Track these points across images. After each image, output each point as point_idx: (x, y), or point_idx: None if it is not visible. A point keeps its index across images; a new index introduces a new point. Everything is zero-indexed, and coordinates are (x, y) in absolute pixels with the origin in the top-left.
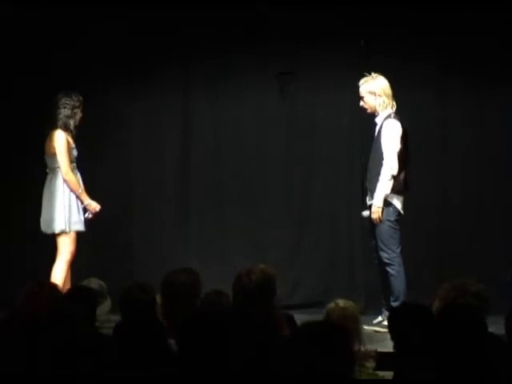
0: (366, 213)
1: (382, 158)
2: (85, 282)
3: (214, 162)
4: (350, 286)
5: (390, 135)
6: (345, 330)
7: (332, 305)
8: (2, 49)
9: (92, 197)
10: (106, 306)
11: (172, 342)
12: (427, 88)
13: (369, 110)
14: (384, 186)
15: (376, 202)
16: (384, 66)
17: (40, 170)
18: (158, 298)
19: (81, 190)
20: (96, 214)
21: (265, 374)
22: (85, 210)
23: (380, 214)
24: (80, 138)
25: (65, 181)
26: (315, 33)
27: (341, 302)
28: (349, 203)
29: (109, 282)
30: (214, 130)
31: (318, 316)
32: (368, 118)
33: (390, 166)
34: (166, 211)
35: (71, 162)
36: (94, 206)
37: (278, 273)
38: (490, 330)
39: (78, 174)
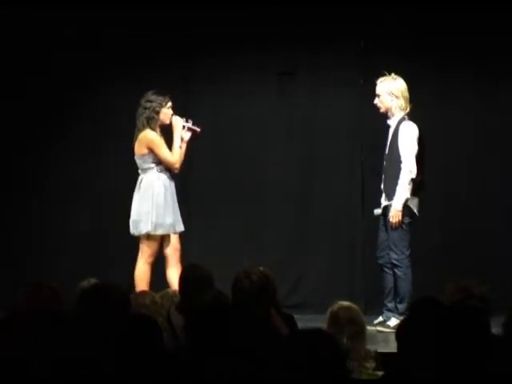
0: (377, 211)
1: (399, 161)
2: (84, 283)
3: (214, 162)
4: (350, 286)
5: (407, 138)
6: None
7: (335, 306)
8: (2, 48)
9: (92, 196)
10: None
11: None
12: (427, 88)
13: (382, 110)
14: (404, 189)
15: (396, 206)
16: (384, 66)
17: (42, 169)
18: (158, 297)
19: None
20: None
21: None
22: (192, 130)
23: (400, 218)
24: (80, 137)
25: (177, 168)
26: (315, 33)
27: (344, 303)
28: (349, 203)
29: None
30: (214, 129)
31: (318, 316)
32: (369, 119)
33: (409, 169)
34: None
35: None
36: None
37: (278, 273)
38: (492, 330)
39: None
